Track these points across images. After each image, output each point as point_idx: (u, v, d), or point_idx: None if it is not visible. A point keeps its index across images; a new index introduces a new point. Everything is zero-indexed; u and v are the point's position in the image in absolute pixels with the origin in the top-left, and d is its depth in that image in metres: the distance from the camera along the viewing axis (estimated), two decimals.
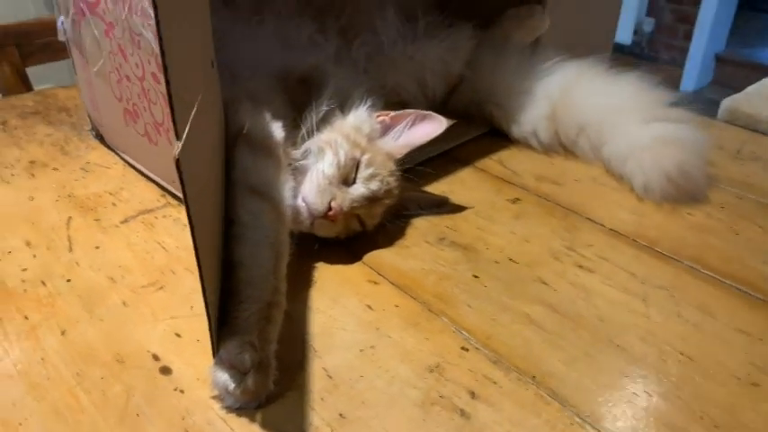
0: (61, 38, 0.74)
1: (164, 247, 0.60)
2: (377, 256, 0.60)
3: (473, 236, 0.64)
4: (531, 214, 0.68)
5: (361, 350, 0.49)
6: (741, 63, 3.43)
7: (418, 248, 0.62)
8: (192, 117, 0.39)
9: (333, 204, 0.56)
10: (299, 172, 0.58)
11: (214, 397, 0.44)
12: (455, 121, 0.65)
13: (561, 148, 0.81)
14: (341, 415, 0.43)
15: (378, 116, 0.65)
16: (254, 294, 0.46)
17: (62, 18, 0.71)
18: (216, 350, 0.43)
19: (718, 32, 3.42)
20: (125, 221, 0.64)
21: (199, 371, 0.46)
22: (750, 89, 1.08)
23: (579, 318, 0.53)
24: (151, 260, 0.58)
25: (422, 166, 0.69)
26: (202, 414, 0.43)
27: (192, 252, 0.39)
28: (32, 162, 0.76)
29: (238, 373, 0.42)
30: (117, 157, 0.77)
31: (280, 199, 0.54)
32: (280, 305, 0.48)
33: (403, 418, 0.43)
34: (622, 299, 0.55)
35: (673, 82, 3.37)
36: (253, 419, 0.42)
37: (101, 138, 0.80)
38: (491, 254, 0.61)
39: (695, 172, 0.70)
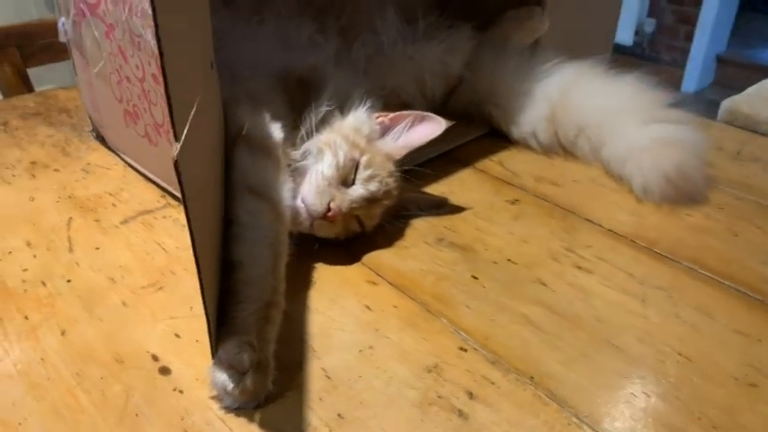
0: (62, 39, 0.74)
1: (163, 248, 0.60)
2: (376, 257, 0.60)
3: (472, 237, 0.64)
4: (530, 215, 0.68)
5: (359, 350, 0.49)
6: (742, 64, 3.43)
7: (417, 249, 0.62)
8: (190, 118, 0.40)
9: (332, 205, 0.56)
10: (298, 173, 0.59)
11: (213, 397, 0.44)
12: (454, 122, 0.65)
13: (561, 149, 0.81)
14: (339, 415, 0.43)
15: (377, 117, 0.65)
16: (253, 294, 0.46)
17: (63, 19, 0.72)
18: (215, 350, 0.43)
19: (719, 33, 3.42)
20: (125, 222, 0.65)
21: (198, 371, 0.46)
22: (750, 90, 1.08)
23: (577, 318, 0.53)
24: (151, 261, 0.59)
25: (421, 166, 0.69)
26: (201, 414, 0.43)
27: (192, 253, 0.39)
28: (33, 163, 0.76)
29: (237, 373, 0.42)
30: (117, 158, 0.77)
31: (279, 199, 0.54)
32: (278, 305, 0.48)
33: (401, 419, 0.43)
34: (621, 299, 0.55)
35: (674, 83, 3.39)
36: (251, 419, 0.42)
37: (101, 139, 0.80)
38: (490, 254, 0.61)
39: (694, 173, 0.70)
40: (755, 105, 0.97)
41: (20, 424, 0.42)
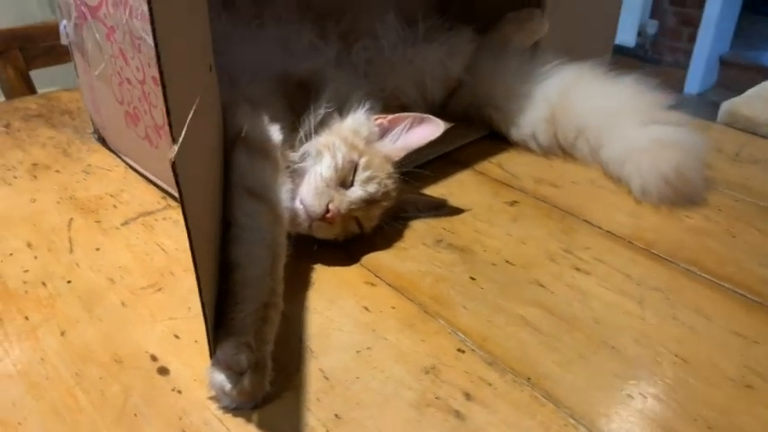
0: (64, 41, 0.75)
1: (163, 249, 0.61)
2: (374, 258, 0.61)
3: (470, 238, 0.64)
4: (528, 216, 0.68)
5: (357, 351, 0.49)
6: (745, 66, 3.42)
7: (415, 250, 0.62)
8: (189, 120, 0.40)
9: (330, 207, 0.57)
10: (297, 175, 0.59)
11: (211, 397, 0.44)
12: (453, 123, 0.66)
13: (560, 150, 0.81)
14: (336, 415, 0.43)
15: (376, 119, 0.65)
16: (251, 295, 0.46)
17: (65, 22, 0.72)
18: (213, 351, 0.44)
19: (722, 35, 3.42)
20: (125, 223, 0.65)
21: (196, 371, 0.46)
22: (750, 92, 1.08)
23: (575, 320, 0.53)
24: (150, 262, 0.59)
25: (420, 168, 0.69)
26: (199, 414, 0.43)
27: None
28: (35, 164, 0.77)
29: (235, 373, 0.43)
30: (118, 160, 0.77)
31: (277, 201, 0.54)
32: (276, 306, 0.48)
33: (398, 419, 0.43)
34: (618, 301, 0.55)
35: (677, 84, 3.38)
36: (249, 420, 0.43)
37: (102, 140, 0.81)
38: (488, 256, 0.61)
39: (693, 175, 0.70)
40: (755, 107, 0.97)
41: (19, 423, 0.42)
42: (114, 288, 0.55)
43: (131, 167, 0.75)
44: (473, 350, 0.49)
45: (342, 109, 0.65)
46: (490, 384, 0.46)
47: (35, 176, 0.74)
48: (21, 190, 0.71)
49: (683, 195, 0.70)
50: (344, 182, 0.59)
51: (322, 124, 0.63)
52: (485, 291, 0.56)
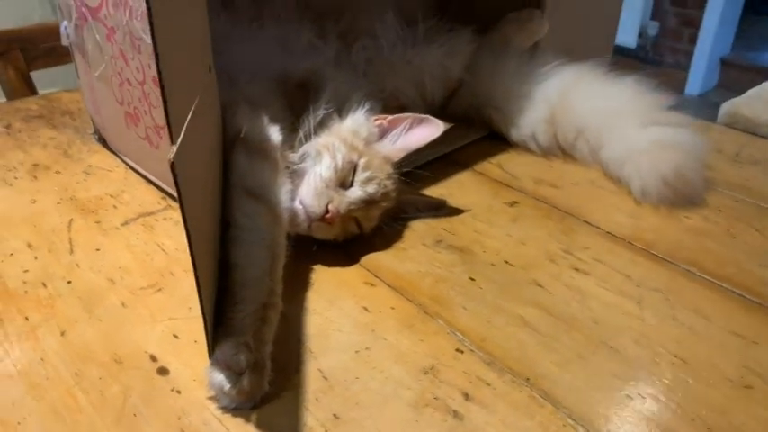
0: (64, 42, 0.75)
1: (163, 250, 0.61)
2: (374, 259, 0.61)
3: (470, 239, 0.64)
4: (528, 217, 0.69)
5: (356, 351, 0.49)
6: (746, 67, 3.42)
7: (415, 251, 0.62)
8: (188, 120, 0.40)
9: (330, 207, 0.57)
10: (296, 175, 0.59)
11: (210, 397, 0.44)
12: (452, 124, 0.66)
13: (560, 151, 0.81)
14: (335, 415, 0.43)
15: (375, 120, 0.65)
16: (250, 295, 0.47)
17: (65, 23, 0.72)
18: (212, 351, 0.44)
19: (723, 36, 3.42)
20: (125, 224, 0.65)
21: (196, 372, 0.46)
22: (750, 93, 1.08)
23: (574, 320, 0.53)
24: (150, 262, 0.59)
25: (420, 169, 0.69)
26: (198, 414, 0.43)
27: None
28: (35, 165, 0.77)
29: (234, 373, 0.43)
30: (119, 160, 0.78)
31: (276, 201, 0.54)
32: (275, 306, 0.48)
33: (396, 419, 0.43)
34: (617, 301, 0.55)
35: (678, 86, 3.38)
36: (248, 420, 0.43)
37: (103, 141, 0.81)
38: (487, 256, 0.61)
39: (693, 175, 0.70)
40: (755, 108, 0.97)
41: (19, 423, 0.42)
42: (114, 288, 0.55)
43: (132, 168, 0.75)
44: (472, 350, 0.49)
45: (341, 110, 0.65)
46: (489, 384, 0.46)
47: (36, 177, 0.74)
48: (21, 190, 0.71)
49: (682, 196, 0.70)
50: (344, 182, 0.59)
51: (321, 125, 0.63)
52: (484, 291, 0.57)
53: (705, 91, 3.46)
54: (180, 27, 0.44)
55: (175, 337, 0.50)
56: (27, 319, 0.52)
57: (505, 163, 0.80)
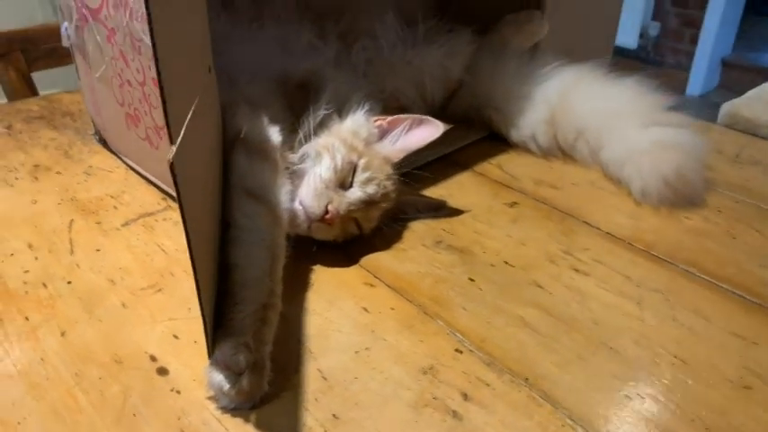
0: (65, 43, 0.75)
1: (163, 250, 0.61)
2: (374, 259, 0.61)
3: (470, 239, 0.64)
4: (528, 218, 0.69)
5: (355, 352, 0.49)
6: (747, 67, 3.42)
7: (415, 251, 0.62)
8: (187, 121, 0.40)
9: (330, 208, 0.57)
10: (296, 176, 0.59)
11: (210, 397, 0.44)
12: (452, 125, 0.66)
13: (560, 152, 0.82)
14: (334, 416, 0.43)
15: (375, 120, 0.66)
16: (250, 296, 0.47)
17: (66, 24, 0.72)
18: (211, 351, 0.44)
19: (724, 36, 3.42)
20: (126, 224, 0.65)
21: (195, 372, 0.46)
22: (750, 93, 1.08)
23: (573, 321, 0.53)
24: (150, 262, 0.59)
25: (420, 170, 0.69)
26: (198, 414, 0.43)
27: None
28: (36, 166, 0.77)
29: (233, 373, 0.43)
30: (119, 161, 0.78)
31: (276, 202, 0.54)
32: (275, 307, 0.48)
33: (396, 420, 0.43)
34: (617, 302, 0.55)
35: (679, 86, 3.38)
36: (247, 420, 0.43)
37: (103, 142, 0.81)
38: (487, 257, 0.61)
39: (693, 176, 0.70)
40: (756, 109, 0.96)
41: (19, 423, 0.42)
42: (114, 289, 0.56)
43: (132, 169, 0.76)
44: (471, 351, 0.50)
45: (341, 110, 0.65)
46: (488, 385, 0.46)
47: (36, 178, 0.74)
48: (22, 191, 0.71)
49: (683, 197, 0.70)
50: (344, 183, 0.60)
51: (321, 125, 0.63)
52: (484, 292, 0.57)
53: (706, 91, 3.46)
54: (179, 28, 0.44)
55: (175, 337, 0.50)
56: (27, 319, 0.52)
57: (505, 164, 0.81)
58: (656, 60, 3.70)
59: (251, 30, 0.74)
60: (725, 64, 3.49)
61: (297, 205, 0.57)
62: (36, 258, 0.59)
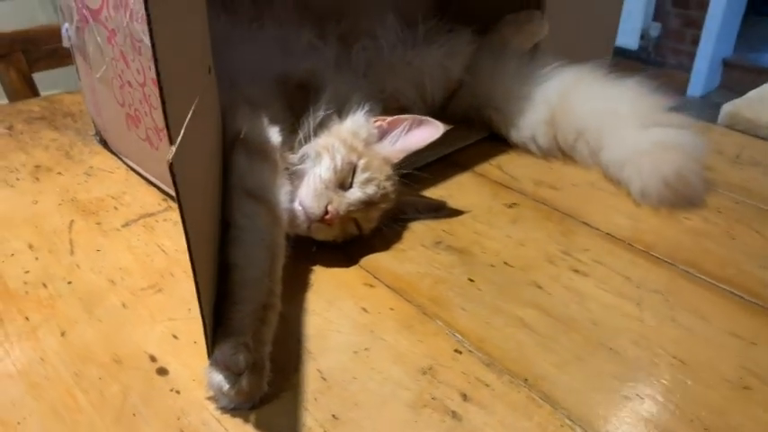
0: (66, 44, 0.75)
1: (163, 250, 0.61)
2: (373, 260, 0.61)
3: (469, 240, 0.64)
4: (527, 219, 0.69)
5: (355, 352, 0.49)
6: (749, 68, 3.42)
7: (414, 252, 0.62)
8: (187, 121, 0.40)
9: (329, 208, 0.57)
10: (296, 176, 0.59)
11: (209, 398, 0.44)
12: (452, 125, 0.66)
13: (560, 152, 0.82)
14: (334, 416, 0.43)
15: (375, 121, 0.66)
16: (249, 296, 0.47)
17: (66, 25, 0.73)
18: (211, 351, 0.44)
19: (725, 37, 3.42)
20: (126, 225, 0.65)
21: (195, 372, 0.46)
22: (751, 94, 1.08)
23: (573, 321, 0.53)
24: (151, 263, 0.59)
25: (420, 170, 0.69)
26: (197, 414, 0.43)
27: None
28: (37, 166, 0.77)
29: (233, 374, 0.43)
30: (120, 162, 0.78)
31: (275, 202, 0.55)
32: (274, 307, 0.48)
33: (395, 420, 0.43)
34: (616, 303, 0.55)
35: (680, 87, 3.38)
36: (246, 420, 0.43)
37: (104, 142, 0.81)
38: (487, 258, 0.61)
39: (693, 177, 0.70)
40: (756, 109, 0.96)
41: (19, 423, 0.42)
42: (114, 289, 0.56)
43: (132, 169, 0.76)
44: (470, 351, 0.50)
45: (341, 111, 0.65)
46: (487, 385, 0.46)
47: (37, 178, 0.74)
48: (23, 192, 0.72)
49: (682, 197, 0.70)
50: (343, 183, 0.60)
51: (321, 126, 0.64)
52: (483, 292, 0.57)
53: (707, 92, 3.46)
54: (179, 29, 0.44)
55: (175, 337, 0.50)
56: (27, 319, 0.52)
57: (505, 164, 0.81)
58: (658, 61, 3.69)
59: (251, 31, 0.75)
60: (726, 64, 3.49)
61: (297, 206, 0.57)
62: (36, 258, 0.60)
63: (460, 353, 0.49)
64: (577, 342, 0.51)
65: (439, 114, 0.69)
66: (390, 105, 0.76)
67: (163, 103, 0.35)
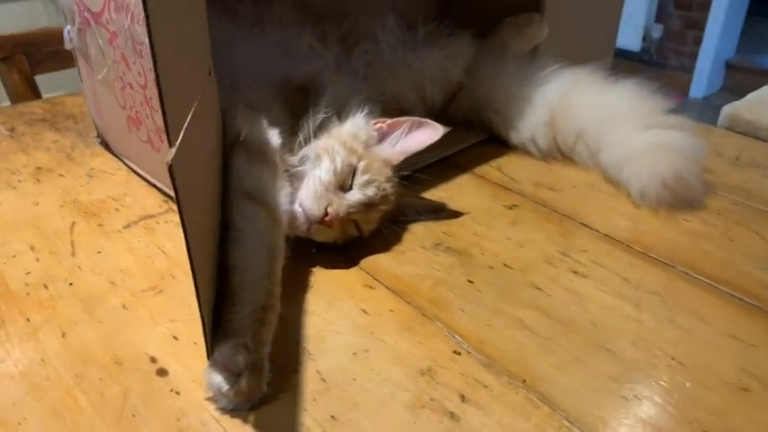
0: (68, 47, 0.76)
1: (164, 252, 0.61)
2: (373, 261, 0.61)
3: (469, 241, 0.64)
4: (527, 220, 0.69)
5: (354, 353, 0.49)
6: (751, 69, 3.41)
7: (414, 254, 0.62)
8: (186, 124, 0.40)
9: (329, 210, 0.57)
10: (296, 178, 0.59)
11: (209, 398, 0.44)
12: (452, 127, 0.66)
13: (559, 154, 0.82)
14: (332, 417, 0.44)
15: (375, 123, 0.66)
16: (248, 297, 0.47)
17: (68, 27, 0.73)
18: (210, 352, 0.44)
19: (727, 39, 3.42)
20: (127, 226, 0.66)
21: (195, 373, 0.47)
22: (751, 96, 1.08)
23: (572, 323, 0.53)
24: (151, 264, 0.60)
25: (420, 172, 0.69)
26: (197, 415, 0.43)
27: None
28: (39, 168, 0.78)
29: (232, 374, 0.43)
30: (121, 164, 0.78)
31: (275, 204, 0.55)
32: (274, 308, 0.48)
33: (393, 421, 0.43)
34: (615, 304, 0.56)
35: (682, 89, 3.37)
36: (246, 420, 0.43)
37: (105, 144, 0.82)
38: (486, 259, 0.62)
39: (692, 178, 0.70)
40: (757, 111, 0.97)
41: (19, 424, 0.42)
42: (115, 290, 0.56)
43: (134, 171, 0.76)
44: (469, 352, 0.50)
45: (341, 113, 0.66)
46: (486, 386, 0.46)
47: (39, 180, 0.75)
48: (25, 193, 0.72)
49: (681, 199, 0.70)
50: (343, 185, 0.60)
51: (321, 128, 0.64)
52: (482, 294, 0.57)
53: (709, 94, 3.46)
54: (178, 31, 0.44)
55: (175, 338, 0.50)
56: (28, 320, 0.52)
57: (505, 166, 0.81)
58: (659, 63, 3.69)
59: (252, 33, 0.75)
60: (728, 66, 3.49)
61: (296, 207, 0.58)
62: (38, 260, 0.60)
63: (459, 354, 0.50)
64: (576, 343, 0.51)
65: (439, 116, 0.69)
66: (390, 108, 0.76)
67: (162, 104, 0.36)
